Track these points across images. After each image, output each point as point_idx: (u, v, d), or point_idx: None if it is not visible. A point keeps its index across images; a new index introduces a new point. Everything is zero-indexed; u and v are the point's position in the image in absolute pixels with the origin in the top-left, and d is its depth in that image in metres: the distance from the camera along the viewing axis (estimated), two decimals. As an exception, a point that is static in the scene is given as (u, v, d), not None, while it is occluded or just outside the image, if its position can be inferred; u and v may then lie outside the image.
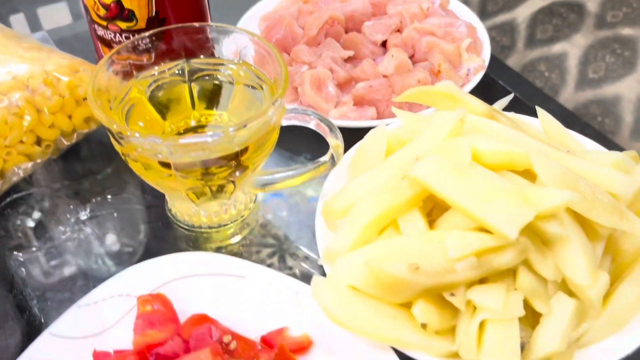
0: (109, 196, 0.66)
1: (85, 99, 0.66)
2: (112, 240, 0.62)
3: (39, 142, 0.65)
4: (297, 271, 0.59)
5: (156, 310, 0.50)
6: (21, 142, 0.63)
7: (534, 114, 0.62)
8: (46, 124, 0.64)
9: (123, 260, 0.60)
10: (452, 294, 0.46)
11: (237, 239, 0.62)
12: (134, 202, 0.65)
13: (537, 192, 0.47)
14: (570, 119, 0.77)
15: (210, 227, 0.62)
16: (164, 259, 0.54)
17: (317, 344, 0.50)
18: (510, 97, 0.64)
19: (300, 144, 0.70)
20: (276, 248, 0.61)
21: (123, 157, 0.54)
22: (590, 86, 0.82)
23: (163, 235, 0.63)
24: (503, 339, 0.45)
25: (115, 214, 0.64)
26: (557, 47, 0.85)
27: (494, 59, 0.86)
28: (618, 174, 0.51)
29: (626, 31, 0.76)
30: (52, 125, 0.64)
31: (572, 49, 0.82)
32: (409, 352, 0.47)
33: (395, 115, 0.61)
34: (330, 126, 0.54)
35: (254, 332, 0.51)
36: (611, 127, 0.79)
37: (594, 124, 0.80)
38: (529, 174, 0.50)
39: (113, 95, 0.57)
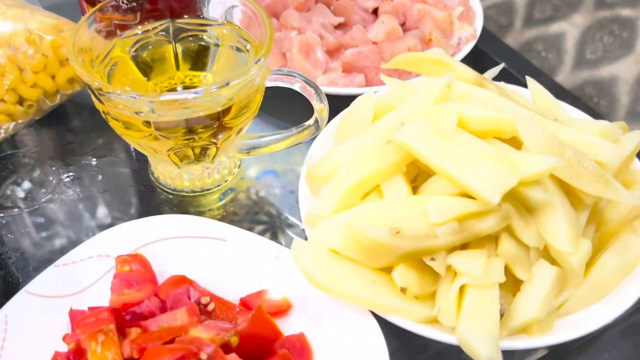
0: (92, 159, 0.65)
1: (68, 59, 0.65)
2: (93, 203, 0.61)
3: (21, 102, 0.64)
4: (279, 236, 0.59)
5: (134, 271, 0.49)
6: (2, 100, 0.62)
7: (525, 87, 0.61)
8: (28, 83, 0.63)
9: (104, 222, 0.60)
10: (433, 259, 0.46)
11: (220, 203, 0.61)
12: (117, 165, 0.65)
13: (522, 157, 0.47)
14: (562, 93, 0.76)
15: (193, 192, 0.61)
16: (144, 221, 0.54)
17: (296, 307, 0.49)
18: (500, 66, 0.63)
19: (286, 111, 0.69)
20: (259, 213, 0.61)
21: (104, 116, 0.53)
22: (587, 67, 0.81)
23: (146, 198, 0.62)
24: (482, 305, 0.45)
25: (97, 177, 0.63)
26: (555, 27, 0.83)
27: (487, 33, 0.85)
28: (605, 142, 0.50)
29: (625, 12, 0.75)
30: (34, 84, 0.63)
31: (570, 29, 0.81)
32: (387, 317, 0.46)
33: (384, 82, 0.61)
34: (316, 89, 0.53)
35: (234, 294, 0.50)
36: (607, 108, 0.79)
37: (590, 104, 0.79)
38: (515, 142, 0.50)
39: (95, 55, 0.56)
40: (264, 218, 0.60)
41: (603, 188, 0.47)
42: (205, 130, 0.52)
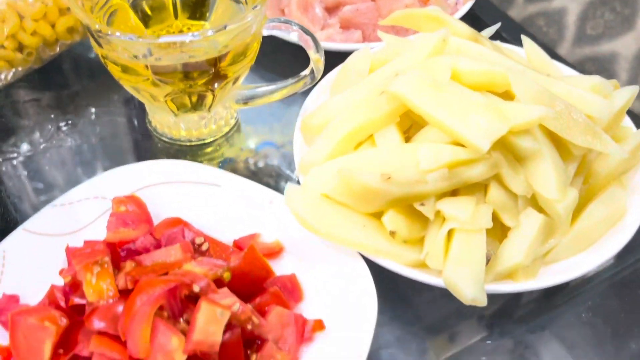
0: (90, 108, 0.66)
1: (69, 8, 0.65)
2: (91, 149, 0.62)
3: (20, 49, 0.64)
4: (273, 185, 0.59)
5: (130, 211, 0.50)
6: (2, 47, 0.62)
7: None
8: (28, 31, 0.63)
9: (101, 168, 0.61)
10: (422, 204, 0.47)
11: (215, 154, 0.62)
12: (114, 115, 0.65)
13: (512, 107, 0.47)
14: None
15: (190, 141, 0.62)
16: (141, 165, 0.55)
17: (288, 250, 0.50)
18: (497, 26, 0.63)
19: (283, 68, 0.70)
20: (255, 164, 0.61)
21: (103, 61, 0.54)
22: (587, 43, 0.81)
23: (143, 147, 0.63)
24: (469, 249, 0.46)
25: (95, 125, 0.64)
26: (556, 2, 0.83)
27: (489, 5, 0.85)
28: (596, 96, 0.51)
29: (628, -12, 0.75)
30: (34, 32, 0.64)
31: (572, 4, 0.81)
32: (376, 259, 0.48)
33: (381, 39, 0.61)
34: (313, 38, 0.54)
35: (228, 238, 0.51)
36: (606, 85, 0.79)
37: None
38: (507, 96, 0.50)
39: (95, 1, 0.56)
40: (259, 168, 0.61)
41: (592, 140, 0.48)
42: (201, 77, 0.52)
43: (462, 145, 0.47)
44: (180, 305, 0.41)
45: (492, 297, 0.45)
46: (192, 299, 0.42)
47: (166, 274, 0.43)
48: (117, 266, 0.44)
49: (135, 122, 0.65)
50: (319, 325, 0.45)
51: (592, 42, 0.80)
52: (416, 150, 0.48)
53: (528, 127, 0.47)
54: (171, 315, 0.41)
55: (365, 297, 0.46)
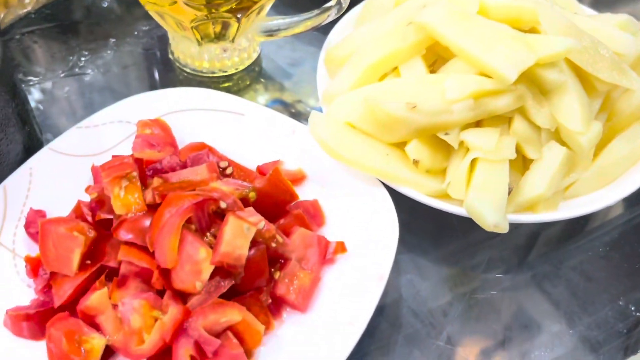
0: (112, 39, 0.66)
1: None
2: (114, 78, 0.62)
3: (44, -24, 0.64)
4: (296, 116, 0.60)
5: (155, 134, 0.51)
6: (26, -29, 0.62)
7: None
8: (52, -44, 0.63)
9: (123, 97, 0.61)
10: (447, 133, 0.47)
11: (238, 86, 0.62)
12: (137, 46, 0.65)
13: (540, 39, 0.47)
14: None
15: (212, 72, 0.62)
16: (166, 91, 0.55)
17: (310, 178, 0.51)
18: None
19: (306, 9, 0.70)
20: (277, 97, 0.62)
21: (129, -16, 0.54)
22: (605, 5, 0.80)
23: (164, 79, 0.63)
24: (492, 178, 0.46)
25: (117, 55, 0.64)
26: (575, -35, 0.83)
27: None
28: (623, 33, 0.51)
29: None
30: (58, -42, 0.64)
31: (591, -34, 0.80)
32: (398, 188, 0.48)
33: (406, -23, 0.60)
34: (341, -33, 0.54)
35: (251, 165, 0.52)
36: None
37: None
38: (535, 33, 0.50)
39: None
40: (282, 100, 0.61)
41: (617, 75, 0.48)
42: (227, 2, 0.52)
43: (489, 77, 0.47)
44: (208, 219, 0.42)
45: (511, 232, 0.46)
46: (219, 216, 0.43)
47: (193, 191, 0.44)
48: (144, 183, 0.45)
49: (158, 54, 0.64)
50: (341, 247, 0.46)
51: (611, 4, 0.80)
52: (442, 80, 0.48)
53: (555, 60, 0.47)
54: (199, 229, 0.41)
55: (387, 225, 0.47)
